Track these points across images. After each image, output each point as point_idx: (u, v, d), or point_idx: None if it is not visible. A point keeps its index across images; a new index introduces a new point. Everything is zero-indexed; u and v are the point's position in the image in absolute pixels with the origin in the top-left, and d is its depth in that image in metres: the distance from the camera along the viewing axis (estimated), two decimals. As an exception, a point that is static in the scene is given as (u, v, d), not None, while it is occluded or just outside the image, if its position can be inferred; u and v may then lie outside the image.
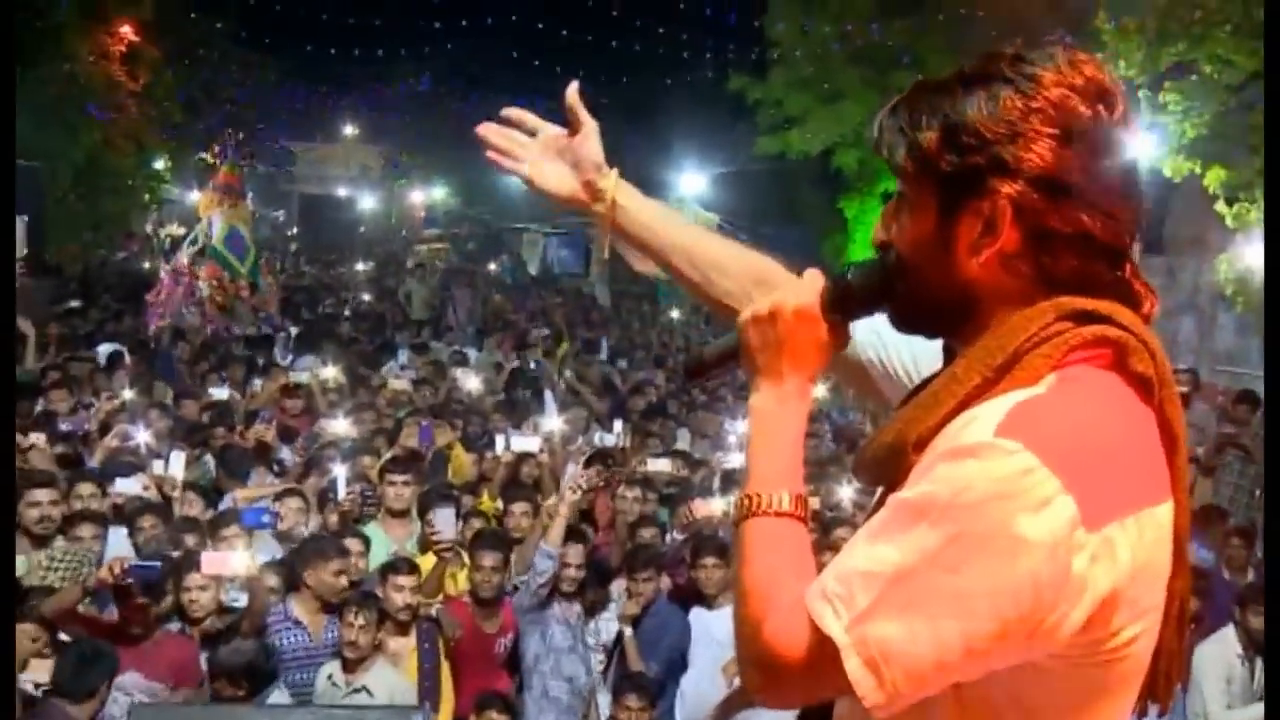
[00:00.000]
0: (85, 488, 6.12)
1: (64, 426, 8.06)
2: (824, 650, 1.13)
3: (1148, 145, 12.87)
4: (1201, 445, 9.54)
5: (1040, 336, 1.20)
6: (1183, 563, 1.24)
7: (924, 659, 1.10)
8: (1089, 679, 1.18)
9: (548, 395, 10.80)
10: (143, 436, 7.34)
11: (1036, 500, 1.08)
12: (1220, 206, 11.72)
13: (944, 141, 1.24)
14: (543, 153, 1.80)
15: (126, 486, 6.41)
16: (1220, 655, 5.59)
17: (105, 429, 7.76)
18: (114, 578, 4.75)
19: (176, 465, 6.72)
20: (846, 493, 7.29)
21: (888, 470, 1.25)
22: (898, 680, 1.10)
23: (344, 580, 5.34)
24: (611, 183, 1.74)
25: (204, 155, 15.25)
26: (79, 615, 4.96)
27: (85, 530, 5.67)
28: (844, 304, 1.35)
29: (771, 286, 1.52)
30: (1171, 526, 1.20)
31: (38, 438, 7.00)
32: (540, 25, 28.38)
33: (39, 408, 8.41)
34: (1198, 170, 12.05)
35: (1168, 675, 1.27)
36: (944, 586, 1.09)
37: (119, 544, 5.84)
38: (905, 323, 1.38)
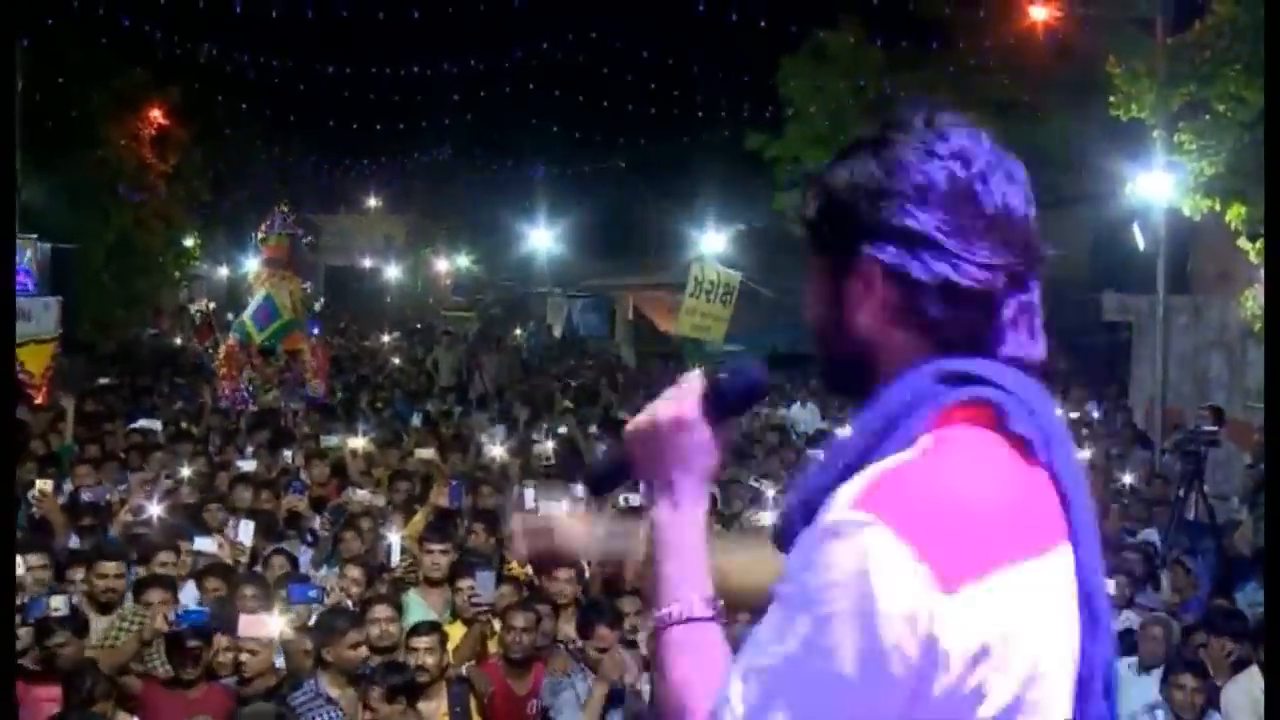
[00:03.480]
0: (109, 566, 6.18)
1: (86, 497, 8.23)
2: None
3: (1165, 185, 12.92)
4: (1229, 483, 9.46)
5: (915, 401, 1.25)
6: (1098, 624, 1.26)
7: None
8: None
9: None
10: (154, 510, 7.43)
11: (891, 570, 1.11)
12: (1243, 242, 11.69)
13: (821, 212, 1.35)
14: None
15: (203, 545, 6.72)
16: (1247, 692, 5.51)
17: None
18: (167, 625, 4.97)
19: (246, 532, 6.96)
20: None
21: (787, 541, 1.28)
22: None
23: (363, 651, 5.32)
24: None
25: (261, 229, 15.46)
26: (133, 669, 5.13)
27: (154, 595, 5.76)
28: (718, 405, 1.39)
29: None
30: (1056, 582, 1.21)
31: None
32: (557, 93, 28.84)
33: (70, 483, 8.60)
34: (1217, 208, 12.06)
35: None
36: (822, 671, 1.12)
37: (192, 598, 6.08)
38: (830, 387, 1.49)
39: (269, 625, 5.03)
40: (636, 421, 1.40)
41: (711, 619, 1.30)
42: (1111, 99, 13.04)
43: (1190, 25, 12.61)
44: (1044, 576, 1.19)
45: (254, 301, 14.66)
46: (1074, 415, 14.86)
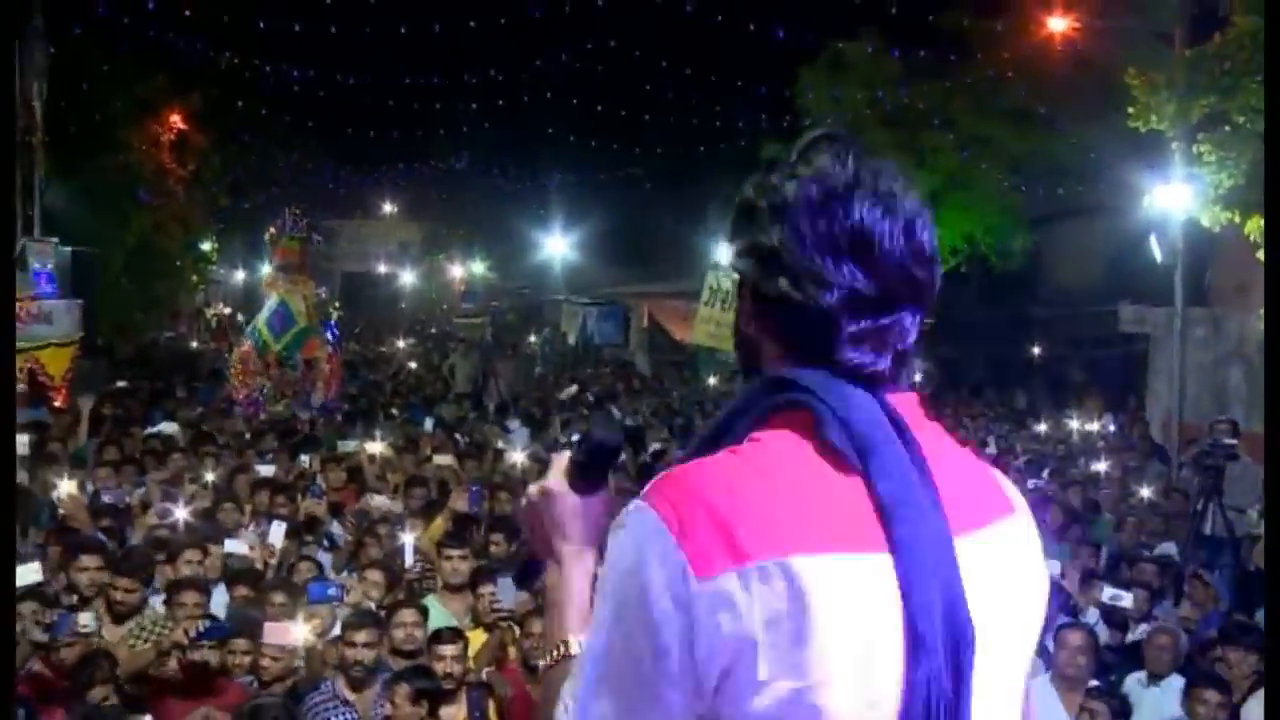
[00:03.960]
0: (124, 581, 6.18)
1: (106, 499, 8.28)
2: None
3: (1184, 197, 12.89)
4: (1247, 497, 9.41)
5: (745, 406, 1.32)
6: (922, 649, 1.19)
7: None
8: None
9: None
10: (181, 514, 7.49)
11: (652, 555, 1.17)
12: (1262, 255, 11.65)
13: (730, 229, 1.42)
14: None
15: (234, 546, 6.81)
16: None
17: (148, 506, 8.00)
18: (187, 638, 4.99)
19: (276, 534, 7.03)
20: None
21: None
22: None
23: (372, 653, 5.33)
24: None
25: (269, 231, 15.50)
26: (148, 675, 5.15)
27: (189, 597, 5.80)
28: (582, 473, 1.47)
29: None
30: (857, 588, 1.18)
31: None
32: (574, 101, 28.91)
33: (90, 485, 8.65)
34: (1236, 220, 12.02)
35: None
36: (620, 656, 1.20)
37: (221, 602, 6.16)
38: None
39: (294, 633, 5.06)
40: (520, 502, 1.53)
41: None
42: (1130, 110, 13.02)
43: (1210, 37, 12.59)
44: (835, 577, 1.17)
45: (268, 307, 14.70)
46: (1091, 427, 14.83)
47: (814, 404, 1.26)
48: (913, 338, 1.34)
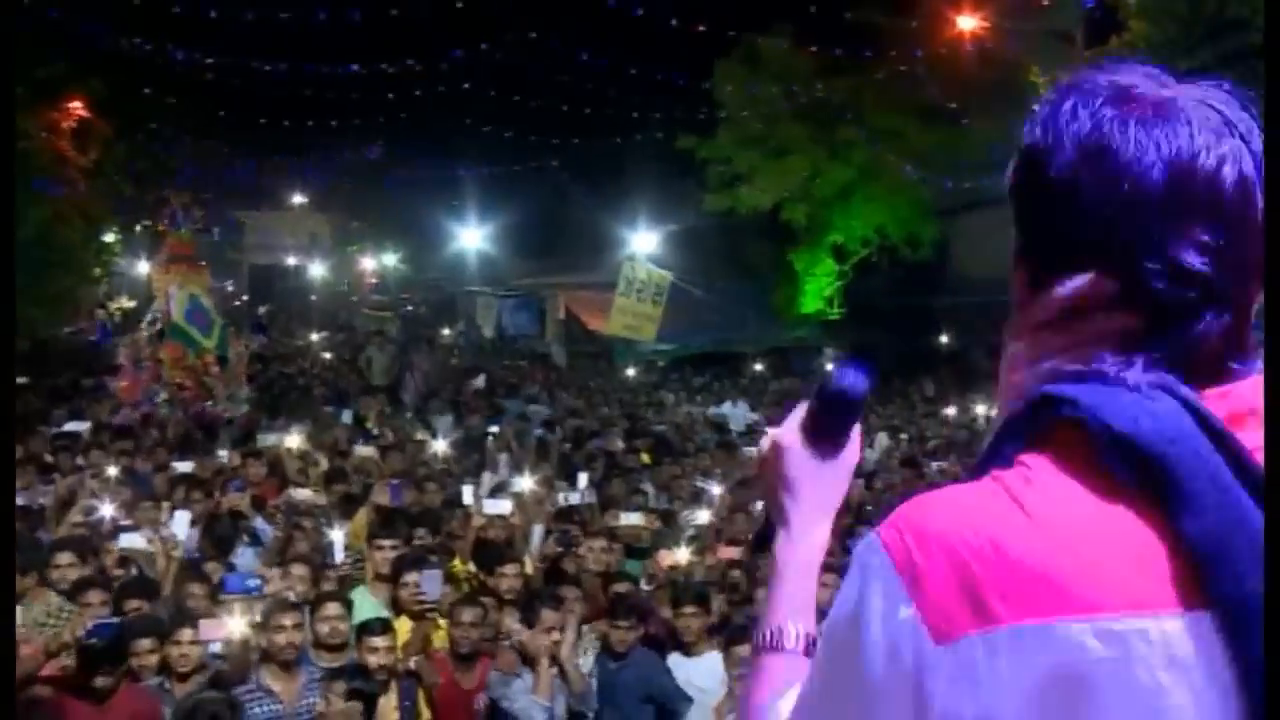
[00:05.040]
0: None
1: (19, 501, 8.06)
2: None
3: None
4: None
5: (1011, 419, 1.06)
6: None
7: None
8: None
9: (502, 457, 10.83)
10: (107, 510, 7.35)
11: (881, 606, 0.95)
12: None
13: None
14: None
15: (131, 541, 6.58)
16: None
17: (66, 505, 7.78)
18: (75, 640, 4.81)
19: (180, 525, 6.86)
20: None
21: None
22: None
23: (296, 638, 5.29)
24: None
25: (153, 223, 15.07)
26: (41, 678, 4.97)
27: (94, 597, 5.68)
28: (818, 426, 1.28)
29: None
30: (1146, 658, 0.90)
31: None
32: (491, 92, 28.74)
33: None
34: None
35: None
36: (826, 705, 1.03)
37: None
38: None
39: (228, 627, 5.00)
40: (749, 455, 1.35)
41: (803, 653, 1.23)
42: (1034, 106, 13.46)
43: (1108, 39, 13.09)
44: (1114, 644, 0.90)
45: (178, 303, 14.25)
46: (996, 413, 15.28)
47: (1086, 416, 0.96)
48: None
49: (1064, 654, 0.90)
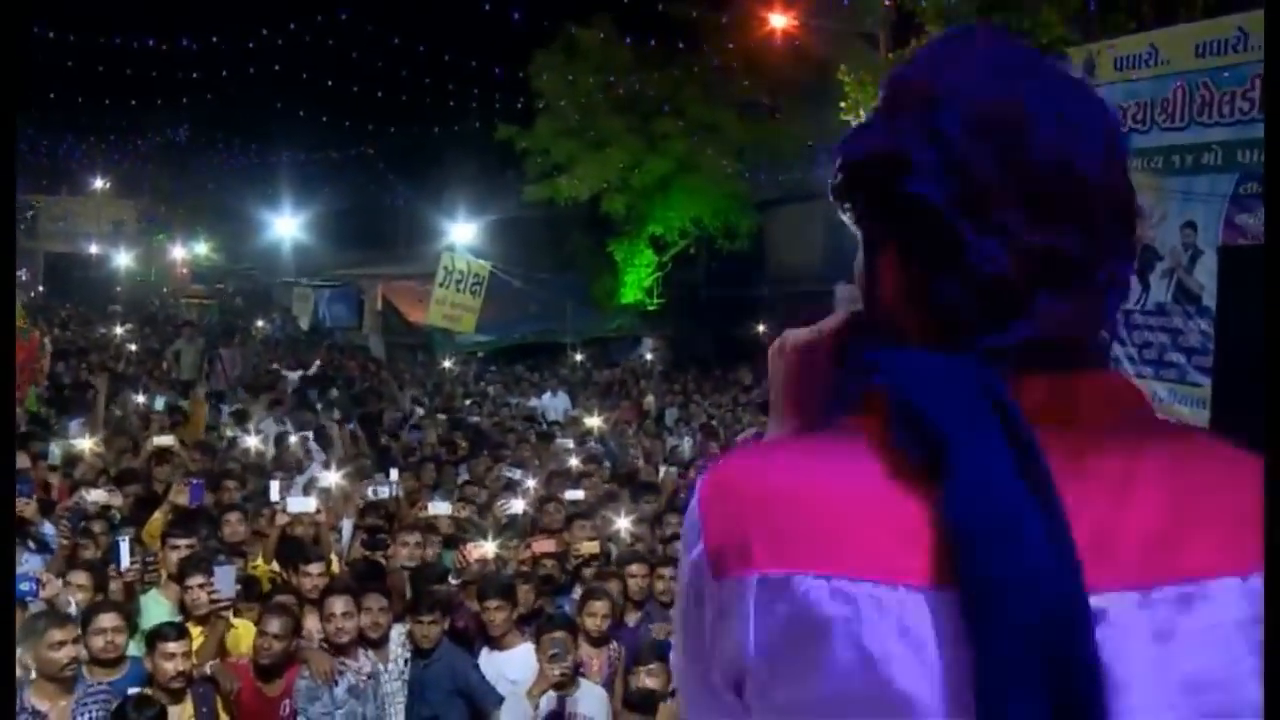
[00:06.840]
0: None
1: None
2: None
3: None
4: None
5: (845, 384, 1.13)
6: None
7: None
8: None
9: (315, 452, 10.59)
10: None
11: (689, 540, 1.04)
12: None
13: None
14: None
15: None
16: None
17: None
18: None
19: None
20: (624, 524, 7.59)
21: None
22: None
23: (68, 652, 4.91)
24: None
25: None
26: None
27: None
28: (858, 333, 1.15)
29: None
30: (892, 626, 0.93)
31: None
32: (305, 75, 27.87)
33: None
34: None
35: None
36: (676, 627, 1.12)
37: None
38: None
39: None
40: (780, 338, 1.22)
41: None
42: (842, 104, 14.01)
43: (908, 42, 13.72)
44: (844, 603, 0.94)
45: None
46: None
47: (888, 387, 0.99)
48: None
49: (798, 605, 0.95)
